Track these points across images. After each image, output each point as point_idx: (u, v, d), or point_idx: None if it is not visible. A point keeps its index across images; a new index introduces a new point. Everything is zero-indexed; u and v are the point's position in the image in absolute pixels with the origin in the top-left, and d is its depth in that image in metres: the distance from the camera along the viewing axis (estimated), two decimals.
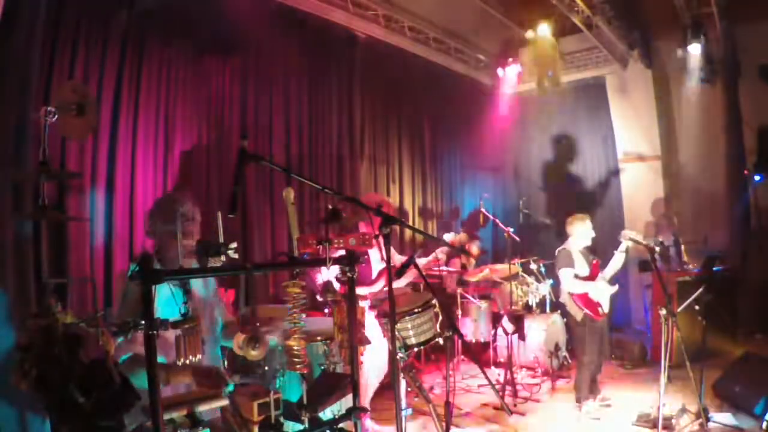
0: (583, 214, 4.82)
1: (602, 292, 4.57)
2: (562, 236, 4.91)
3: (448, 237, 5.79)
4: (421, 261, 4.21)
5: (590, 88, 8.34)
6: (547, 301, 6.27)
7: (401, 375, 3.07)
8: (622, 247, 4.48)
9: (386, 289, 2.09)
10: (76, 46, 3.75)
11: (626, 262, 4.73)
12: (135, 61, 4.18)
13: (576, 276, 4.58)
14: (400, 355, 3.01)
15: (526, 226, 6.75)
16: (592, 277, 4.60)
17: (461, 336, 2.76)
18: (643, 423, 4.19)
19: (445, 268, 6.17)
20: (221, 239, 1.94)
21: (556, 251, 4.78)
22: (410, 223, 7.18)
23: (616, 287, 4.66)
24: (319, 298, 4.02)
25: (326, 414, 2.32)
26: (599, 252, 4.90)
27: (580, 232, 4.71)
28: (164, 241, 2.40)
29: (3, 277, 3.01)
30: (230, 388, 1.95)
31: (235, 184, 1.95)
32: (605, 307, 4.58)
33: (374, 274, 3.96)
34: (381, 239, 2.13)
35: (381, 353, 3.76)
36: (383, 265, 3.94)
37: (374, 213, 2.19)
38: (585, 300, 4.53)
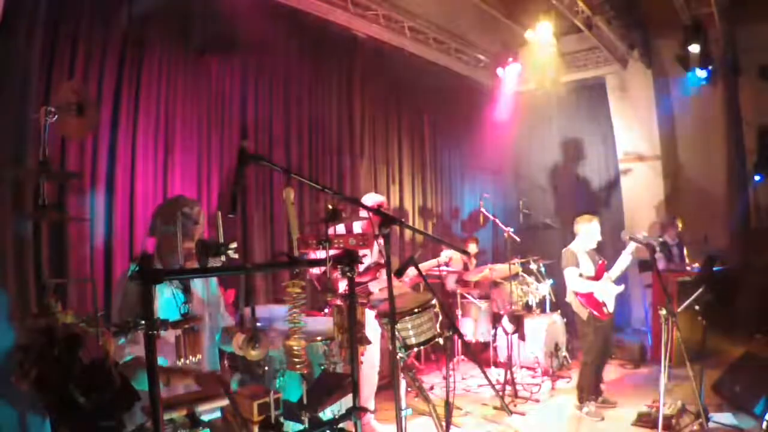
0: (590, 215, 4.83)
1: (608, 291, 4.57)
2: (563, 236, 4.91)
3: (446, 254, 5.74)
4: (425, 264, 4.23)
5: (590, 88, 8.34)
6: (547, 301, 6.27)
7: (401, 375, 3.07)
8: (630, 248, 4.47)
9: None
10: (76, 46, 3.74)
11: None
12: (135, 61, 4.17)
13: (580, 275, 4.59)
14: (400, 355, 3.01)
15: (526, 226, 6.75)
16: (597, 278, 4.60)
17: (461, 336, 2.76)
18: (643, 423, 4.19)
19: (445, 268, 6.18)
20: (221, 239, 1.94)
21: (562, 251, 4.80)
22: (409, 223, 7.17)
23: (623, 287, 4.66)
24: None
25: (326, 414, 2.32)
26: (600, 251, 4.90)
27: (586, 232, 4.72)
28: (165, 242, 2.39)
29: (3, 277, 3.01)
30: (234, 386, 1.95)
31: (235, 184, 1.95)
32: (610, 307, 4.58)
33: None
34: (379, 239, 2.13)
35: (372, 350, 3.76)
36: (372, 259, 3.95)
37: (374, 213, 2.19)
38: (590, 299, 4.54)
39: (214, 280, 2.68)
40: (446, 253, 5.45)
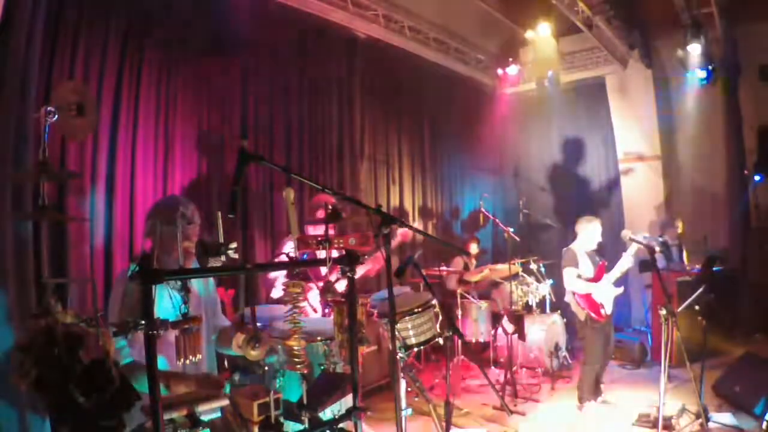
0: (591, 216, 4.82)
1: (606, 293, 4.56)
2: (563, 236, 4.90)
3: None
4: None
5: (590, 88, 8.33)
6: (547, 301, 6.27)
7: (401, 375, 3.07)
8: (631, 249, 4.45)
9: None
10: (76, 46, 3.74)
11: None
12: (135, 61, 4.17)
13: (579, 276, 4.58)
14: (400, 355, 3.01)
15: (526, 226, 6.75)
16: (596, 279, 4.60)
17: (461, 336, 2.76)
18: (643, 423, 4.19)
19: (445, 267, 6.18)
20: (221, 239, 1.94)
21: (563, 250, 4.79)
22: (408, 223, 7.16)
23: (622, 289, 4.65)
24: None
25: (326, 414, 2.32)
26: (600, 252, 4.90)
27: (587, 233, 4.71)
28: (164, 243, 2.38)
29: (3, 277, 3.01)
30: (227, 389, 1.96)
31: (235, 184, 1.95)
32: (608, 309, 4.57)
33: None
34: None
35: None
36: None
37: (374, 213, 2.19)
38: (588, 300, 4.53)
39: (211, 279, 2.68)
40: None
